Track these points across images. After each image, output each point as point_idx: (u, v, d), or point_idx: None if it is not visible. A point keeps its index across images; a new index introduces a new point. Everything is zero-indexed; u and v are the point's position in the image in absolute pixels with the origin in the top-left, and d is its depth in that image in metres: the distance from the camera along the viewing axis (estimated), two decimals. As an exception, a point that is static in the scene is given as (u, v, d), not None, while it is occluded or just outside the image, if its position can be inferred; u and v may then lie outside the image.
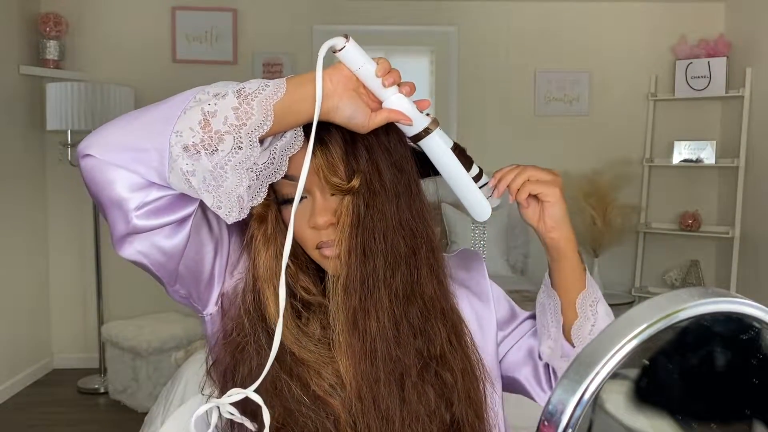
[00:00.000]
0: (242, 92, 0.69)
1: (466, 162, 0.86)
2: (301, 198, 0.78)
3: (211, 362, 0.83)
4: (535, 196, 0.86)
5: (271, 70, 3.73)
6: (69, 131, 3.42)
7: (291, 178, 0.77)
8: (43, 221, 3.69)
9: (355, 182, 0.77)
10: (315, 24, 3.75)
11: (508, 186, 0.87)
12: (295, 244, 0.81)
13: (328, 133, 0.76)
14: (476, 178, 0.87)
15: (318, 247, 0.80)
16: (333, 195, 0.79)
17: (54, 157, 3.61)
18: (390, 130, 0.80)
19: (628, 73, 3.80)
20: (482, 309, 0.93)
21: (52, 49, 3.53)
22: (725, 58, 3.54)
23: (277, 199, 0.81)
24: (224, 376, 0.81)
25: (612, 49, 3.80)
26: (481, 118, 3.82)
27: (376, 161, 0.78)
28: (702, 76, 3.60)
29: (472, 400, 0.83)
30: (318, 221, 0.78)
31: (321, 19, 3.75)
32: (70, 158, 3.52)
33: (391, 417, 0.77)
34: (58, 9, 3.58)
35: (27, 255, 3.54)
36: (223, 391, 0.80)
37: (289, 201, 0.79)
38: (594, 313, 0.89)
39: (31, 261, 3.58)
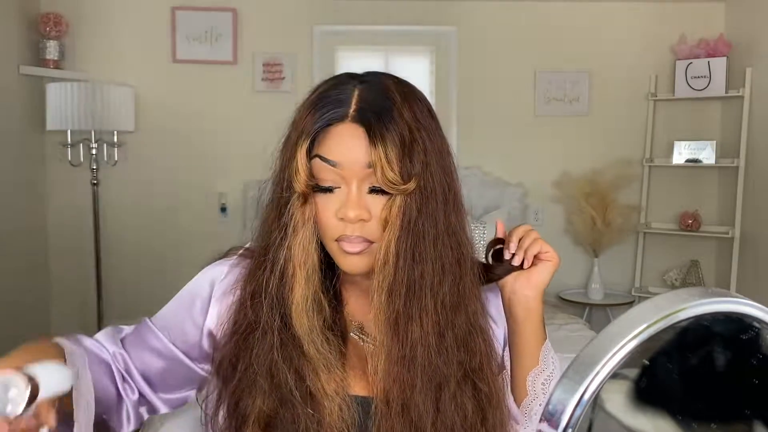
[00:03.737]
0: None
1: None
2: (335, 188, 0.77)
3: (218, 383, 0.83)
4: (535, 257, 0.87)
5: (271, 71, 3.73)
6: (69, 131, 3.42)
7: (333, 163, 0.76)
8: (43, 221, 3.69)
9: (411, 184, 0.75)
10: (315, 24, 3.74)
11: (523, 248, 0.87)
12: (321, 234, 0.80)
13: (386, 130, 0.75)
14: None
15: (338, 240, 0.78)
16: (372, 192, 0.77)
17: (54, 157, 3.61)
18: (442, 135, 0.81)
19: (628, 73, 3.79)
20: (496, 330, 0.91)
21: (52, 49, 3.53)
22: (725, 58, 3.54)
23: (314, 184, 0.78)
24: (226, 372, 0.80)
25: (612, 49, 3.79)
26: (481, 118, 3.82)
27: (430, 165, 0.77)
28: (702, 76, 3.59)
29: (503, 421, 0.82)
30: (349, 213, 0.76)
31: (321, 19, 3.75)
32: (70, 158, 3.52)
33: (422, 426, 0.76)
34: (58, 9, 3.58)
35: (27, 255, 3.53)
36: (226, 385, 0.80)
37: (323, 189, 0.77)
38: (545, 391, 0.86)
39: (31, 261, 3.58)
